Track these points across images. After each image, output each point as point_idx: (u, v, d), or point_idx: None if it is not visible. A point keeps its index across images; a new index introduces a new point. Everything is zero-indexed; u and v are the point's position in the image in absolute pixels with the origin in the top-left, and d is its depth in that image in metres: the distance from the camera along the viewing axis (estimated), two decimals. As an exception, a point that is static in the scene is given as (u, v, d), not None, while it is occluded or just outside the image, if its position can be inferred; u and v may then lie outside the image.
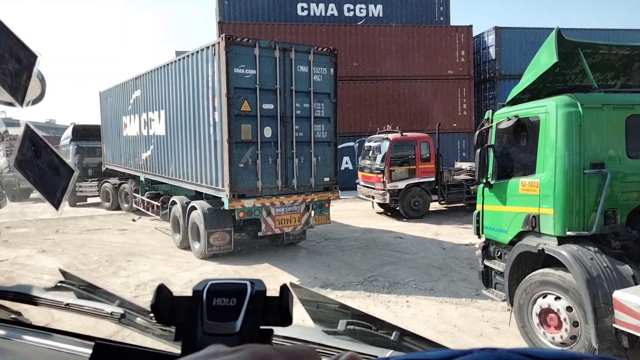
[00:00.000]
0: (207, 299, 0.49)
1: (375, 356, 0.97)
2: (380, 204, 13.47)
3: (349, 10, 21.52)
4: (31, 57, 1.11)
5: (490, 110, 5.60)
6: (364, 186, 14.00)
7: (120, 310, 1.14)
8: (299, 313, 1.16)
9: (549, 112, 4.57)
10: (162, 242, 10.06)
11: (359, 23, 20.98)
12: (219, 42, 7.62)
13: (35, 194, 18.69)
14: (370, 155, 13.68)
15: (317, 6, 21.13)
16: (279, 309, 0.49)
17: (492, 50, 22.04)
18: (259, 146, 7.85)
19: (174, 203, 9.62)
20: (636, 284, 4.07)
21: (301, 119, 8.36)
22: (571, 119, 4.40)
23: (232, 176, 7.68)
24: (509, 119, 5.01)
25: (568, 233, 4.43)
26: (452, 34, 20.77)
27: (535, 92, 5.22)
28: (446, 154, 15.57)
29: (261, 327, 0.50)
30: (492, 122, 5.45)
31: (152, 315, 0.56)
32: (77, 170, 1.31)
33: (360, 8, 21.64)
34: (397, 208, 12.93)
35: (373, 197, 13.42)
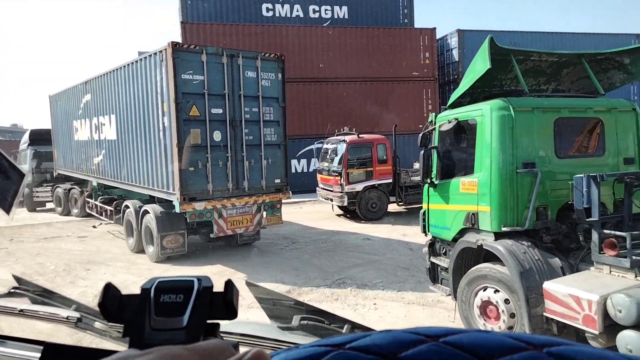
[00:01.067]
0: (154, 296, 0.52)
1: None
2: (340, 207, 13.47)
3: (314, 11, 21.43)
4: (19, 176, 1.20)
5: (434, 113, 5.88)
6: (323, 188, 13.99)
7: (77, 315, 1.16)
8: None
9: (485, 115, 4.83)
10: (123, 248, 9.88)
11: (324, 25, 20.95)
12: (166, 49, 7.81)
13: None
14: (327, 157, 13.70)
15: (282, 7, 20.93)
16: (224, 304, 0.52)
17: (455, 52, 22.43)
18: (209, 150, 8.09)
19: (127, 207, 9.77)
20: (565, 274, 4.38)
21: (251, 123, 8.64)
22: (504, 121, 4.67)
23: (182, 180, 7.88)
24: (449, 122, 5.29)
25: (503, 229, 4.70)
26: (417, 36, 21.19)
27: (474, 95, 5.47)
28: (411, 156, 15.50)
29: (208, 321, 0.53)
30: (435, 125, 5.71)
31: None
32: (27, 174, 1.49)
33: (326, 10, 21.57)
34: (355, 210, 13.02)
35: (331, 200, 13.37)
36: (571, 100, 5.23)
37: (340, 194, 12.76)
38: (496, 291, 4.66)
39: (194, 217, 8.18)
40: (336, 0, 21.78)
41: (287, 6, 21.19)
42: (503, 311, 4.59)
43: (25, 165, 16.26)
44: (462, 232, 5.28)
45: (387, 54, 20.64)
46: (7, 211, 1.22)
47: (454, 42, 22.38)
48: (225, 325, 1.16)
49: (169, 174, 8.18)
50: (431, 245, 5.97)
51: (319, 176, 14.42)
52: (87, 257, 9.30)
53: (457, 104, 5.54)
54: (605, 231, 4.17)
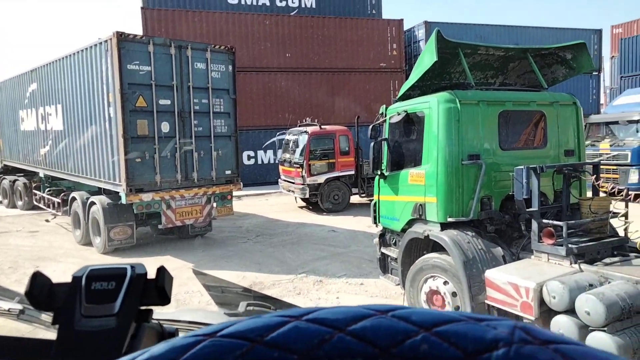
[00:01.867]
0: (85, 284, 0.54)
1: None
2: (302, 198, 13.08)
3: (281, 0, 20.67)
4: None
5: (384, 105, 5.86)
6: (285, 180, 13.60)
7: (19, 306, 1.15)
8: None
9: (432, 107, 4.84)
10: (75, 243, 9.48)
11: (291, 14, 20.16)
12: (110, 39, 7.63)
13: None
14: (289, 148, 13.33)
15: None
16: (155, 290, 0.55)
17: (422, 44, 21.63)
18: (157, 141, 7.97)
19: (73, 199, 9.53)
20: (506, 263, 4.47)
21: (200, 114, 8.54)
22: (450, 114, 4.70)
23: (128, 171, 7.74)
24: (398, 114, 5.27)
25: (449, 219, 4.75)
26: (384, 27, 20.60)
27: (424, 88, 5.46)
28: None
29: (141, 307, 0.55)
30: (385, 117, 5.68)
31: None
32: None
33: None
34: (317, 202, 12.69)
35: (293, 192, 13.03)
36: (515, 94, 5.28)
37: (301, 186, 12.46)
38: (445, 282, 4.69)
39: (142, 209, 8.09)
40: (304, -10, 21.38)
41: (253, -6, 20.74)
42: (448, 302, 4.63)
43: None
44: (410, 223, 5.27)
45: (354, 45, 20.10)
46: None
47: (421, 33, 21.99)
48: (170, 312, 1.19)
49: (115, 165, 8.02)
50: (381, 236, 5.97)
51: (280, 168, 14.09)
52: (37, 253, 8.98)
53: (407, 96, 5.51)
54: (544, 221, 4.31)
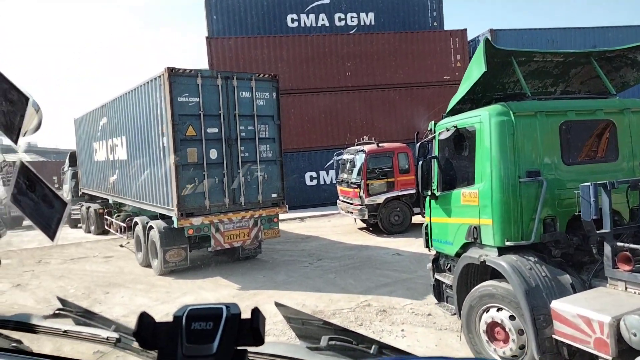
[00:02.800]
0: (186, 324, 0.58)
1: None
2: (362, 220, 12.45)
3: (340, 19, 20.63)
4: (23, 99, 1.25)
5: (433, 121, 5.45)
6: (343, 201, 13.05)
7: (116, 335, 1.23)
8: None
9: (483, 121, 4.38)
10: (145, 269, 9.71)
11: (351, 32, 20.08)
12: (163, 74, 8.07)
13: (27, 221, 20.06)
14: (347, 168, 12.84)
15: (308, 17, 20.40)
16: (251, 330, 0.57)
17: None
18: (205, 167, 8.26)
19: (136, 224, 10.09)
20: (576, 292, 3.90)
21: (246, 141, 8.76)
22: (504, 127, 4.23)
23: (179, 196, 8.02)
24: (447, 130, 4.86)
25: (507, 243, 4.22)
26: (447, 39, 19.89)
27: (475, 101, 5.01)
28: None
29: (236, 347, 0.59)
30: (434, 133, 5.28)
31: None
32: (70, 203, 0.85)
33: (352, 17, 20.65)
34: (377, 223, 11.98)
35: (351, 213, 12.48)
36: (578, 102, 4.69)
37: (360, 207, 11.84)
38: (512, 317, 4.20)
39: (192, 232, 8.30)
40: (362, 7, 20.57)
41: (312, 16, 20.34)
42: (513, 339, 4.13)
43: (67, 185, 17.26)
44: (465, 247, 4.74)
45: (416, 59, 19.37)
46: (52, 238, 1.31)
47: None
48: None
49: (168, 191, 8.35)
50: (435, 260, 5.47)
51: (338, 188, 13.49)
52: (109, 279, 9.33)
53: (457, 110, 5.03)
54: (619, 244, 3.78)
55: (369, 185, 11.95)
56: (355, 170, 12.33)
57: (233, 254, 9.75)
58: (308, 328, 1.59)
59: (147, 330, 0.60)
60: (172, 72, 8.13)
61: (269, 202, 9.09)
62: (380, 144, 12.38)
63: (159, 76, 8.37)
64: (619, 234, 4.03)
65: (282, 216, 15.62)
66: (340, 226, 13.78)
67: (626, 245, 3.78)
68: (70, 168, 17.13)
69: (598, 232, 3.88)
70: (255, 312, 0.60)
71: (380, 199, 12.01)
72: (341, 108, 18.76)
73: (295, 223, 15.32)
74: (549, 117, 4.39)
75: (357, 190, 12.03)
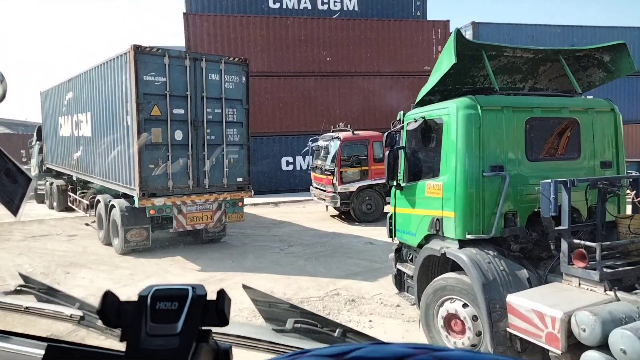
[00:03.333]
0: (151, 303, 0.59)
1: None
2: (335, 207, 12.34)
3: (322, 3, 20.16)
4: None
5: (402, 112, 5.41)
6: (316, 188, 12.89)
7: (80, 313, 1.22)
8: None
9: (450, 113, 4.33)
10: (109, 249, 9.48)
11: (333, 17, 19.53)
12: (128, 51, 7.80)
13: None
14: (321, 155, 12.64)
15: None
16: (216, 311, 0.58)
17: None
18: (170, 148, 8.09)
19: (98, 202, 9.92)
20: (532, 286, 3.94)
21: (213, 124, 8.57)
22: (470, 120, 4.19)
23: (142, 176, 7.83)
24: (415, 121, 4.82)
25: (468, 236, 4.22)
26: (429, 29, 19.55)
27: (445, 93, 4.94)
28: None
29: (201, 327, 0.59)
30: (403, 123, 5.21)
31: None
32: (35, 179, 1.42)
33: (335, 1, 20.27)
34: (350, 211, 11.81)
35: (324, 200, 12.35)
36: (545, 99, 4.70)
37: (332, 194, 11.71)
38: (465, 305, 4.25)
39: (154, 212, 8.14)
40: (346, -8, 18.79)
41: (294, -2, 18.53)
42: (469, 327, 4.15)
43: (34, 159, 16.69)
44: (427, 238, 4.72)
45: (397, 48, 18.96)
46: (15, 213, 1.29)
47: (468, 35, 19.19)
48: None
49: (131, 170, 8.14)
50: (398, 250, 5.45)
51: (312, 175, 13.34)
52: (70, 258, 9.04)
53: (427, 101, 4.97)
54: (575, 241, 3.85)
55: (343, 173, 11.79)
56: (330, 157, 12.17)
57: (198, 235, 9.56)
58: (274, 311, 1.62)
59: (111, 308, 0.59)
60: (139, 50, 8.01)
61: (234, 186, 8.92)
62: (355, 132, 12.05)
63: (125, 53, 8.23)
64: (577, 230, 4.08)
65: (255, 200, 15.37)
66: (315, 213, 13.58)
67: (582, 242, 3.83)
68: (37, 142, 16.68)
69: (556, 228, 3.93)
70: (221, 293, 0.60)
71: (354, 187, 11.81)
72: (320, 94, 18.31)
73: (269, 208, 15.19)
74: (515, 113, 4.36)
75: (331, 177, 11.89)
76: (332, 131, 12.84)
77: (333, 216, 13.07)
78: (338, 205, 11.81)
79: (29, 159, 18.09)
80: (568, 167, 4.52)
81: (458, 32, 4.33)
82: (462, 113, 4.30)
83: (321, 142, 13.00)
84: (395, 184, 5.20)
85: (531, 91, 5.21)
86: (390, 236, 5.55)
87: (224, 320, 0.60)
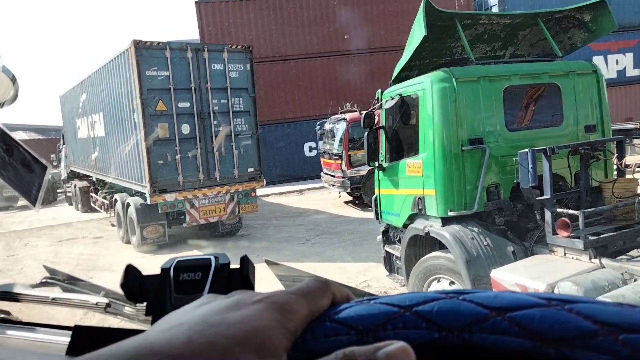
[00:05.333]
0: (174, 275, 0.59)
1: None
2: (348, 193, 12.22)
3: None
4: None
5: (380, 90, 5.50)
6: (326, 174, 12.77)
7: (106, 300, 1.27)
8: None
9: (425, 88, 4.43)
10: (131, 248, 9.86)
11: None
12: (129, 48, 8.20)
13: (21, 202, 20.84)
14: (329, 139, 12.54)
15: None
16: (240, 279, 0.59)
17: (495, 11, 19.03)
18: (178, 142, 8.45)
19: (116, 201, 10.50)
20: (516, 260, 4.06)
21: (220, 114, 8.88)
22: (445, 94, 4.28)
23: (152, 172, 8.27)
24: (392, 98, 4.93)
25: (450, 213, 4.33)
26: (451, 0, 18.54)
27: (422, 67, 5.05)
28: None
29: None
30: (381, 102, 5.30)
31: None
32: (50, 166, 1.43)
33: None
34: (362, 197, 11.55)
35: (334, 185, 12.26)
36: (523, 66, 4.75)
37: (342, 180, 11.61)
38: (451, 283, 4.38)
39: (166, 208, 8.60)
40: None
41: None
42: None
43: (63, 162, 17.59)
44: (411, 218, 4.89)
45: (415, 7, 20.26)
46: (33, 203, 1.31)
47: (494, 6, 19.88)
48: None
49: (141, 167, 8.59)
50: (385, 232, 5.67)
51: (322, 160, 13.25)
52: (95, 262, 9.47)
53: (405, 77, 5.06)
54: (558, 210, 3.93)
55: (351, 156, 11.56)
56: (337, 140, 12.00)
57: (214, 229, 10.00)
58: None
59: (134, 282, 0.60)
60: (139, 45, 8.31)
61: (245, 177, 9.32)
62: (362, 112, 12.37)
63: (127, 50, 8.58)
64: (562, 199, 4.19)
65: (280, 189, 15.54)
66: (342, 198, 13.70)
67: (564, 211, 3.94)
68: (63, 146, 17.60)
69: (538, 198, 4.01)
70: (245, 259, 0.60)
71: (364, 170, 11.37)
72: (339, 74, 18.43)
73: (294, 196, 15.45)
74: (493, 83, 4.43)
75: (339, 162, 11.72)
76: (340, 112, 12.60)
77: (346, 202, 13.05)
78: (348, 190, 11.70)
79: (58, 162, 18.85)
80: (551, 134, 4.58)
81: (427, 2, 4.40)
82: (437, 87, 4.37)
83: (327, 126, 12.84)
84: (377, 165, 5.32)
85: (512, 58, 5.28)
86: (377, 218, 5.71)
87: (249, 287, 0.60)
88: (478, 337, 0.32)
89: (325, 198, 14.24)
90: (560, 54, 4.94)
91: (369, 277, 7.12)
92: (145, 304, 0.61)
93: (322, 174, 13.30)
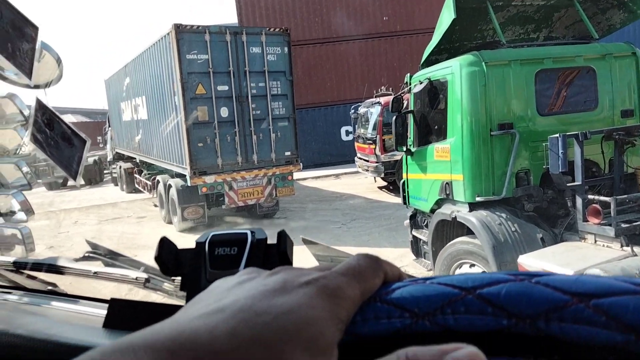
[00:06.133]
0: (209, 249, 0.58)
1: None
2: (382, 178, 12.24)
3: None
4: (33, 30, 1.25)
5: (409, 74, 5.55)
6: (360, 158, 12.82)
7: (145, 275, 1.31)
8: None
9: (454, 72, 4.46)
10: (174, 230, 10.10)
11: None
12: (170, 32, 8.49)
13: (71, 182, 21.75)
14: (363, 123, 12.52)
15: None
16: (278, 254, 0.58)
17: None
18: (217, 126, 8.76)
19: (158, 182, 10.97)
20: (545, 246, 4.07)
21: (258, 98, 9.11)
22: (475, 78, 4.29)
23: (192, 154, 8.61)
24: (421, 83, 4.98)
25: (478, 199, 4.38)
26: None
27: (452, 51, 5.07)
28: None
29: None
30: (410, 86, 5.38)
31: (173, 278, 0.64)
32: (89, 140, 1.45)
33: None
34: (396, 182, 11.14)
35: (367, 170, 12.35)
36: (556, 49, 4.71)
37: (375, 165, 11.61)
38: (472, 266, 4.44)
39: (205, 190, 8.93)
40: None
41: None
42: None
43: (108, 144, 18.41)
44: (439, 203, 4.97)
45: None
46: (74, 177, 1.34)
47: None
48: None
49: (182, 150, 8.96)
50: (412, 217, 5.77)
51: (356, 145, 13.27)
52: (138, 241, 9.84)
53: (434, 61, 5.09)
54: (590, 196, 3.90)
55: (385, 141, 11.39)
56: (370, 124, 11.95)
57: (252, 211, 10.35)
58: (337, 265, 1.74)
59: (168, 255, 0.59)
60: (180, 29, 8.51)
61: (282, 160, 9.56)
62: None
63: (168, 34, 8.79)
64: (594, 185, 4.16)
65: (317, 173, 15.57)
66: (377, 183, 13.79)
67: (596, 197, 3.90)
68: (109, 128, 18.22)
69: (569, 185, 4.00)
70: (282, 235, 0.59)
71: (398, 155, 11.27)
72: (378, 57, 18.46)
73: (331, 180, 15.65)
74: (524, 66, 4.40)
75: (373, 146, 11.68)
76: (375, 96, 12.55)
77: (380, 188, 13.10)
78: (382, 175, 11.73)
79: (105, 144, 19.52)
80: (585, 119, 4.54)
81: None
82: (466, 71, 4.40)
83: (362, 110, 12.80)
84: (405, 149, 5.41)
85: (546, 40, 5.24)
86: (405, 203, 5.83)
87: (286, 263, 0.58)
88: (556, 327, 0.29)
89: (362, 183, 14.34)
90: (597, 36, 4.85)
91: (406, 263, 7.12)
92: (180, 278, 0.60)
93: (356, 158, 13.40)
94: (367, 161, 12.22)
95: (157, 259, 0.58)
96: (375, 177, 12.64)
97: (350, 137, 17.98)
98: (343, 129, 18.41)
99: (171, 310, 0.89)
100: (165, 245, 0.59)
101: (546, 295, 0.30)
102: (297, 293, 0.32)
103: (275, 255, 0.59)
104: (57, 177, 20.01)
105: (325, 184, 14.95)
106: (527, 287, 0.31)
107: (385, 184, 12.97)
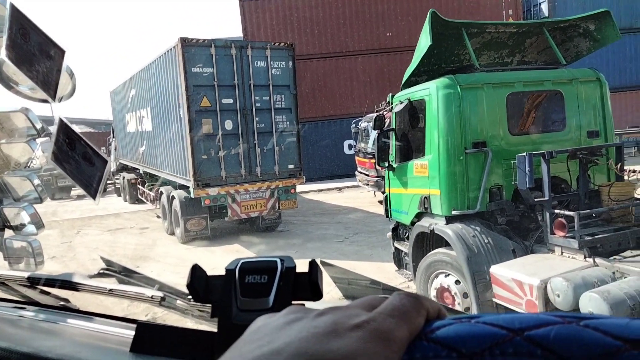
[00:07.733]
0: (239, 277, 0.58)
1: None
2: (382, 192, 12.54)
3: None
4: (59, 52, 1.28)
5: (390, 94, 6.06)
6: (360, 172, 13.24)
7: (160, 294, 1.30)
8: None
9: (431, 94, 4.93)
10: (179, 243, 10.14)
11: None
12: (176, 45, 8.88)
13: (75, 191, 19.70)
14: (364, 137, 12.86)
15: None
16: (308, 284, 0.57)
17: (544, 7, 20.11)
18: (221, 138, 9.10)
19: (161, 193, 11.26)
20: (517, 257, 4.44)
21: (262, 111, 9.50)
22: (450, 100, 4.74)
23: (195, 166, 8.96)
24: (401, 103, 5.44)
25: (453, 212, 4.79)
26: None
27: (431, 73, 5.53)
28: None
29: (293, 302, 0.58)
30: (392, 105, 5.86)
31: (189, 297, 0.68)
32: (110, 160, 2.02)
33: None
34: None
35: (368, 184, 12.68)
36: (526, 73, 5.17)
37: (376, 179, 11.81)
38: (457, 282, 4.78)
39: (209, 202, 9.25)
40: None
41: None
42: (459, 303, 4.71)
43: (112, 155, 18.28)
44: (419, 216, 5.42)
45: (462, 14, 18.11)
46: (94, 197, 1.35)
47: (544, 6, 20.25)
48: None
49: (186, 162, 9.28)
50: (394, 230, 6.24)
51: (356, 159, 13.73)
52: (141, 252, 9.84)
53: (414, 82, 5.57)
54: (555, 211, 4.28)
55: None
56: (371, 139, 12.11)
57: (255, 224, 10.70)
58: (355, 288, 1.64)
59: (200, 283, 0.59)
60: (185, 43, 8.73)
61: (285, 173, 9.90)
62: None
63: (174, 47, 8.99)
64: (562, 201, 4.62)
65: (319, 186, 15.68)
66: (377, 197, 14.07)
67: (562, 212, 4.35)
68: (113, 139, 18.38)
69: (537, 200, 4.45)
70: (314, 265, 0.59)
71: None
72: (380, 71, 19.09)
73: (333, 194, 16.01)
74: (496, 89, 4.86)
75: (373, 161, 11.77)
76: (376, 111, 12.44)
77: (380, 202, 13.32)
78: (382, 190, 11.56)
79: (108, 155, 19.56)
80: (554, 139, 4.97)
81: (433, 12, 4.87)
82: (442, 93, 4.81)
83: (362, 124, 13.21)
84: (387, 165, 5.83)
85: (519, 65, 5.72)
86: (387, 216, 6.26)
87: (318, 294, 0.58)
88: None
89: (364, 196, 14.79)
90: (564, 62, 5.32)
91: (410, 277, 7.41)
92: (209, 304, 0.61)
93: (356, 172, 13.86)
94: (368, 175, 12.65)
95: (189, 286, 0.59)
96: (374, 192, 13.05)
97: (353, 151, 18.42)
98: (345, 143, 19.04)
99: (200, 336, 0.93)
100: (196, 273, 0.59)
101: (596, 339, 0.30)
102: (349, 337, 0.33)
103: (305, 284, 0.59)
104: (62, 187, 20.03)
105: (327, 197, 15.53)
106: (577, 330, 0.31)
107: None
